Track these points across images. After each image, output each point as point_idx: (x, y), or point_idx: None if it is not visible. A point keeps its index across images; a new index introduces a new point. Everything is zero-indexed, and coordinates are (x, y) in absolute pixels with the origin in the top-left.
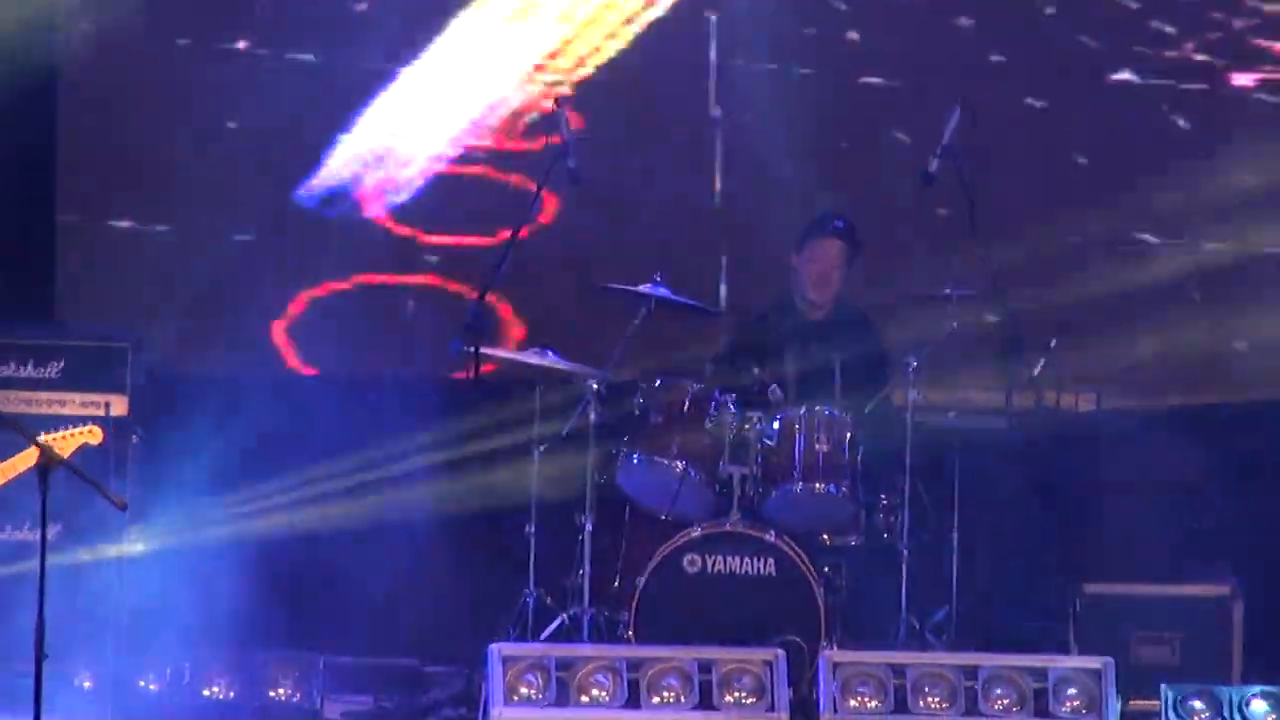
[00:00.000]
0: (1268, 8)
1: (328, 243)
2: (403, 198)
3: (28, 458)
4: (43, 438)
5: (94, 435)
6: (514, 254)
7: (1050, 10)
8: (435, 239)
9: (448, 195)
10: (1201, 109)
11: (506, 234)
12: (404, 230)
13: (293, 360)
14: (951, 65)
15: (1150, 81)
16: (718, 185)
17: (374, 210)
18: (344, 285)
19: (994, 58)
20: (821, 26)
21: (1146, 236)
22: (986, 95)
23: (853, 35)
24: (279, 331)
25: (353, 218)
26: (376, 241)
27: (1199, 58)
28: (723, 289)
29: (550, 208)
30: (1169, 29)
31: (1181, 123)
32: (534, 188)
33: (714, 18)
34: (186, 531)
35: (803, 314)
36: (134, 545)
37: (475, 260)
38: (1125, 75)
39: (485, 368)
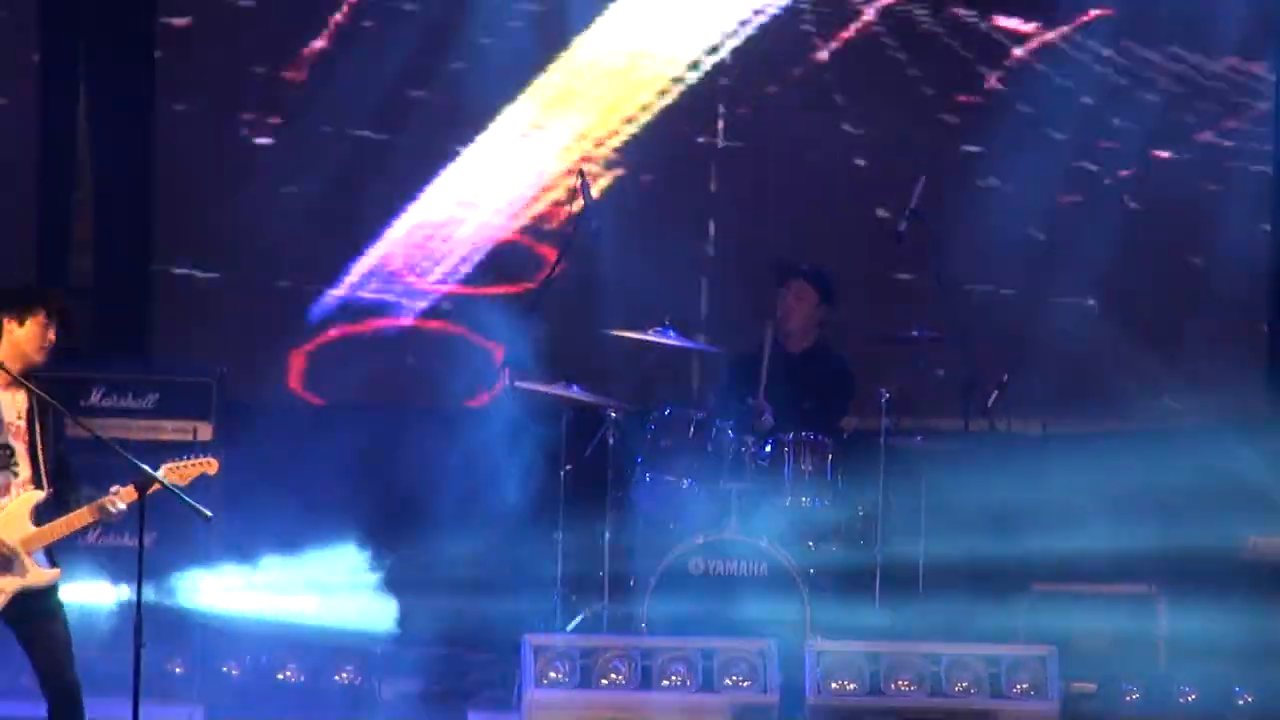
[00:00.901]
0: (1218, 109)
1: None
2: (444, 267)
3: (131, 493)
4: (167, 465)
5: (210, 466)
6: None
7: (1025, 108)
8: (446, 289)
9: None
10: (1149, 193)
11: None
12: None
13: (308, 392)
14: (929, 152)
15: (1104, 169)
16: (710, 250)
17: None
18: (361, 328)
19: (968, 148)
20: (819, 116)
21: (1090, 302)
22: (957, 177)
23: (845, 126)
24: (297, 364)
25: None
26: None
27: (1156, 153)
28: (701, 336)
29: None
30: (1125, 124)
31: (1132, 204)
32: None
33: (721, 108)
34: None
35: (784, 348)
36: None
37: (483, 307)
38: (1084, 163)
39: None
